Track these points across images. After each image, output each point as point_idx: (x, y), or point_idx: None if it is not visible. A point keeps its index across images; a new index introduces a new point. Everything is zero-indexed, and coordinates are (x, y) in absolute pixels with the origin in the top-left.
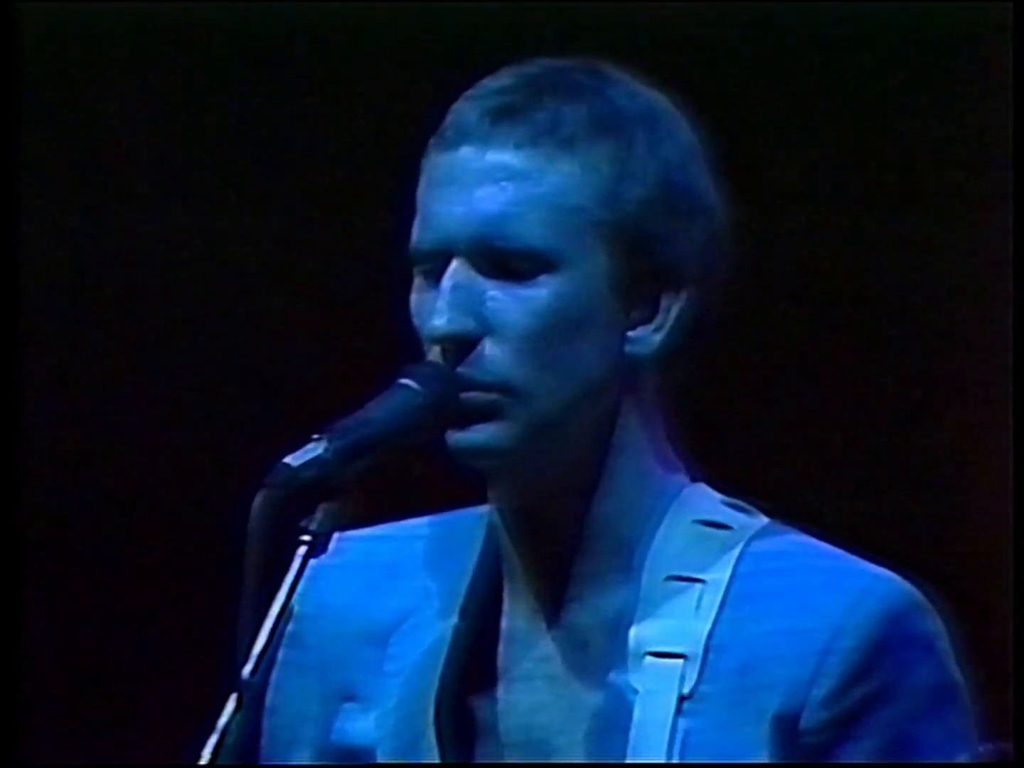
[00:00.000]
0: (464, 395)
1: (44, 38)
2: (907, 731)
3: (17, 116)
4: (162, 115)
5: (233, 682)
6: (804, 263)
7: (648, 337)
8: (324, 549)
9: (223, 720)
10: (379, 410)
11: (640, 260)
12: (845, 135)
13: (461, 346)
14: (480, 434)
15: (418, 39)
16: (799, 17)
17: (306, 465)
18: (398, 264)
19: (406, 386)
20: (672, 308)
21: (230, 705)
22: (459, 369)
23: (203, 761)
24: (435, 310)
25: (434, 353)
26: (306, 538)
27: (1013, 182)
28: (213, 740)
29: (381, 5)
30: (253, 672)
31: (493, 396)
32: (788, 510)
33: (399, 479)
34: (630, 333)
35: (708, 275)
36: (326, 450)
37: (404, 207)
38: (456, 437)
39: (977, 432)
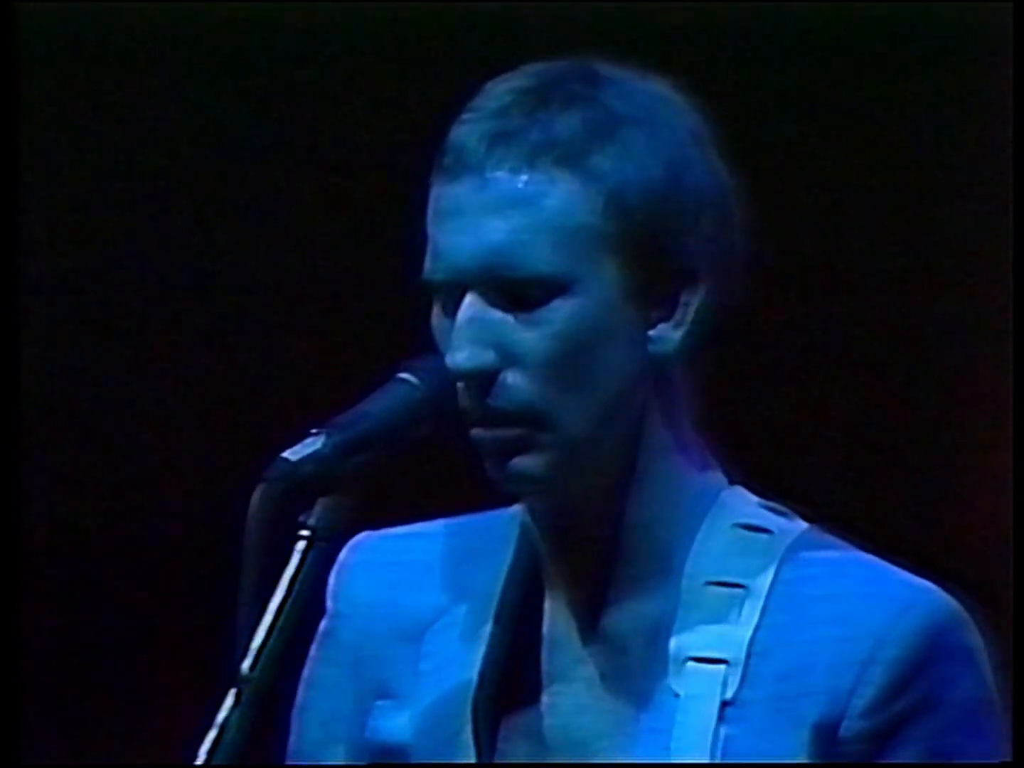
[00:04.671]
0: (495, 431)
1: (44, 38)
2: (945, 744)
3: (17, 116)
4: (162, 116)
5: (232, 677)
6: (804, 263)
7: (669, 335)
8: (326, 543)
9: (222, 715)
10: (378, 404)
11: (652, 263)
12: (843, 135)
13: (484, 380)
14: (515, 468)
15: (420, 39)
16: (797, 17)
17: (305, 460)
18: (398, 263)
19: (405, 380)
20: (691, 303)
21: (229, 700)
22: (487, 401)
23: (201, 756)
24: (454, 346)
25: (459, 388)
26: (305, 533)
27: (1013, 182)
28: (212, 736)
29: (385, 6)
30: (252, 667)
31: (522, 429)
32: (823, 516)
33: (411, 476)
34: (651, 333)
35: (724, 265)
36: (325, 444)
37: (403, 205)
38: (493, 472)
39: (978, 433)
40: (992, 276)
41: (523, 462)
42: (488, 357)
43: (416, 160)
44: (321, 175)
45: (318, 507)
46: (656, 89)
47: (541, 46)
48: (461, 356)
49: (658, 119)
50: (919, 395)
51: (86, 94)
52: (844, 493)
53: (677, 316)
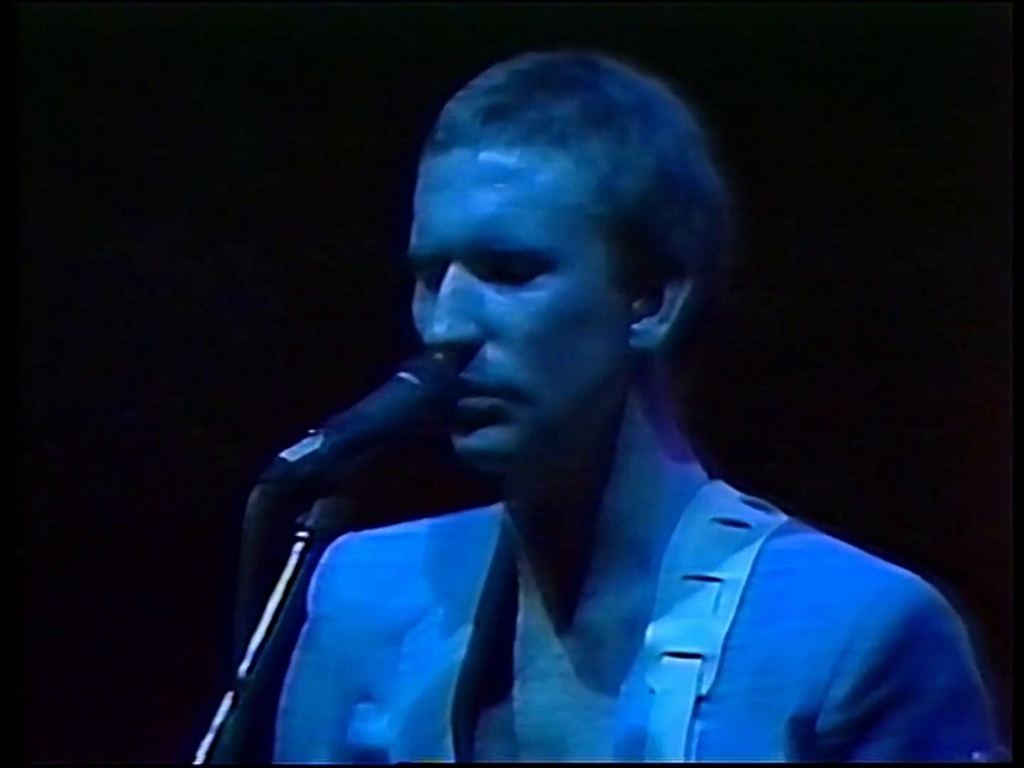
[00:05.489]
0: (468, 400)
1: (44, 38)
2: (925, 734)
3: (17, 116)
4: (161, 116)
5: (230, 680)
6: (803, 261)
7: (653, 329)
8: (324, 544)
9: (219, 719)
10: (377, 404)
11: (640, 252)
12: (844, 134)
13: (463, 352)
14: (485, 439)
15: (414, 35)
16: (798, 16)
17: (303, 460)
18: (396, 259)
19: (404, 380)
20: (676, 298)
21: (226, 703)
22: (462, 375)
23: (198, 760)
24: (435, 317)
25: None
26: (303, 534)
27: (1013, 183)
28: (209, 739)
29: (379, 5)
30: (250, 670)
31: (496, 400)
32: (804, 508)
33: (411, 477)
34: (635, 326)
35: (711, 263)
36: (323, 445)
37: (402, 205)
38: (461, 442)
39: (978, 430)
40: (991, 275)
41: (492, 433)
42: (469, 329)
43: (418, 157)
44: (323, 173)
45: (316, 508)
46: (655, 86)
47: (538, 45)
48: (440, 328)
49: (655, 112)
50: (918, 394)
51: (86, 94)
52: (844, 493)
53: (662, 311)
